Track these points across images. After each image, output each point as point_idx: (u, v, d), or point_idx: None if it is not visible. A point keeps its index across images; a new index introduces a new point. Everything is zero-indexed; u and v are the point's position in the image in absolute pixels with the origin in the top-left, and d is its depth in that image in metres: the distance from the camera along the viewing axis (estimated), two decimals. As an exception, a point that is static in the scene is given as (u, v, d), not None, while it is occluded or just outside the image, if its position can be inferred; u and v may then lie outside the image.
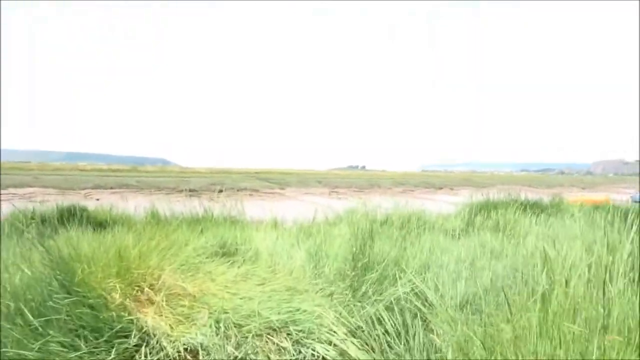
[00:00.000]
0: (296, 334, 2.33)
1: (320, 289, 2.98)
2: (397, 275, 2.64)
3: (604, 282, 2.09)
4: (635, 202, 12.94)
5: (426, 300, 2.50)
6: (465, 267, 3.08)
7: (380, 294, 2.51)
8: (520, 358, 1.68)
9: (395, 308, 2.35)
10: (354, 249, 3.25)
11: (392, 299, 2.41)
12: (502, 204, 6.26)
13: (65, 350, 2.03)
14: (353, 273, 2.97)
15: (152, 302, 2.59)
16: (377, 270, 2.79)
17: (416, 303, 2.39)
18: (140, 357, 2.09)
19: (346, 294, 2.78)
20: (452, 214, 6.73)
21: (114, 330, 2.16)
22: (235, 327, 2.38)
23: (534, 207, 5.72)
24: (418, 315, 2.40)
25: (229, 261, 3.53)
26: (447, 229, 5.20)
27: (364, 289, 2.66)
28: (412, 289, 2.43)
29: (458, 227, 5.23)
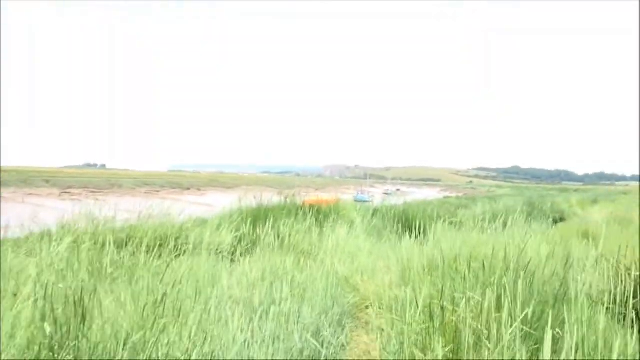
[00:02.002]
0: None
1: None
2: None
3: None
4: (357, 201, 16.26)
5: None
6: (269, 323, 1.96)
7: None
8: None
9: None
10: (54, 320, 1.51)
11: None
12: (278, 209, 5.64)
13: None
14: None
15: None
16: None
17: None
18: None
19: None
20: (217, 221, 5.55)
21: None
22: None
23: (316, 214, 5.43)
24: None
25: None
26: (219, 248, 3.99)
27: None
28: None
29: (233, 245, 4.14)
